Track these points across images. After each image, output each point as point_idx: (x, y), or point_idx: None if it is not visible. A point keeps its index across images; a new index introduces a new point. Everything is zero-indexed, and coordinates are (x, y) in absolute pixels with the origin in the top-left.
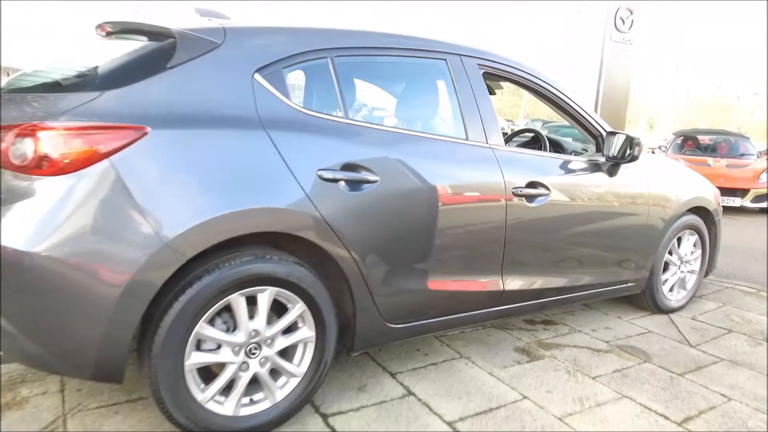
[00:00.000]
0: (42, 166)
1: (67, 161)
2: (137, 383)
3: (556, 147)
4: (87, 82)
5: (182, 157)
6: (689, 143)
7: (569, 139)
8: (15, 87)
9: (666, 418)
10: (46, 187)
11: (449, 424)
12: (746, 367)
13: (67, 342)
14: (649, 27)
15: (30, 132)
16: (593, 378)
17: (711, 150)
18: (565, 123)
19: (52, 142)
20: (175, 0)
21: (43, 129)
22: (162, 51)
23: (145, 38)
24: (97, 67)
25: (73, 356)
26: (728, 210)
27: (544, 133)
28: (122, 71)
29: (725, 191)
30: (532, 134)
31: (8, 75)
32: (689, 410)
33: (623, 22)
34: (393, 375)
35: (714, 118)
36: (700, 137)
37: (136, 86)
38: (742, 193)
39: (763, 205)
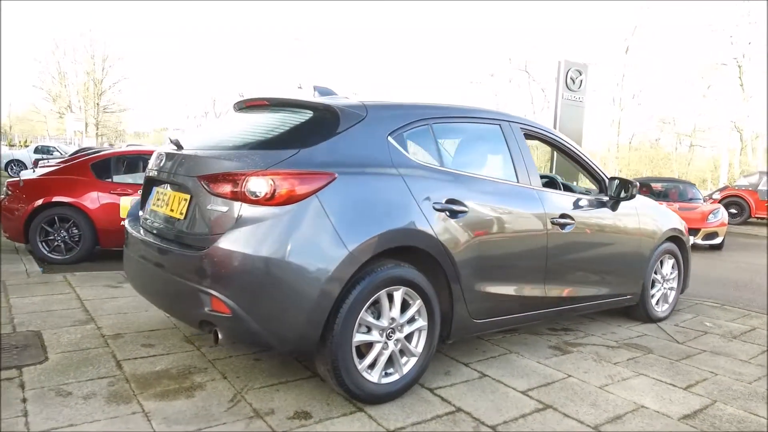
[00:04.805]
0: (272, 199)
1: (289, 196)
2: (282, 370)
3: (566, 189)
4: (284, 141)
5: (356, 193)
6: (644, 190)
7: (573, 183)
8: (223, 146)
9: (674, 386)
10: (274, 213)
11: (523, 392)
12: (724, 355)
13: (280, 323)
14: (597, 84)
15: (263, 175)
16: (614, 364)
17: (663, 196)
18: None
19: (280, 183)
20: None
21: (274, 174)
22: (329, 121)
23: (310, 112)
24: (289, 131)
25: (283, 334)
26: None
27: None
28: (308, 135)
29: None
30: (547, 179)
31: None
32: (689, 381)
33: (573, 82)
34: (466, 364)
35: (656, 168)
36: (653, 184)
37: (322, 145)
38: (694, 232)
39: (712, 242)
